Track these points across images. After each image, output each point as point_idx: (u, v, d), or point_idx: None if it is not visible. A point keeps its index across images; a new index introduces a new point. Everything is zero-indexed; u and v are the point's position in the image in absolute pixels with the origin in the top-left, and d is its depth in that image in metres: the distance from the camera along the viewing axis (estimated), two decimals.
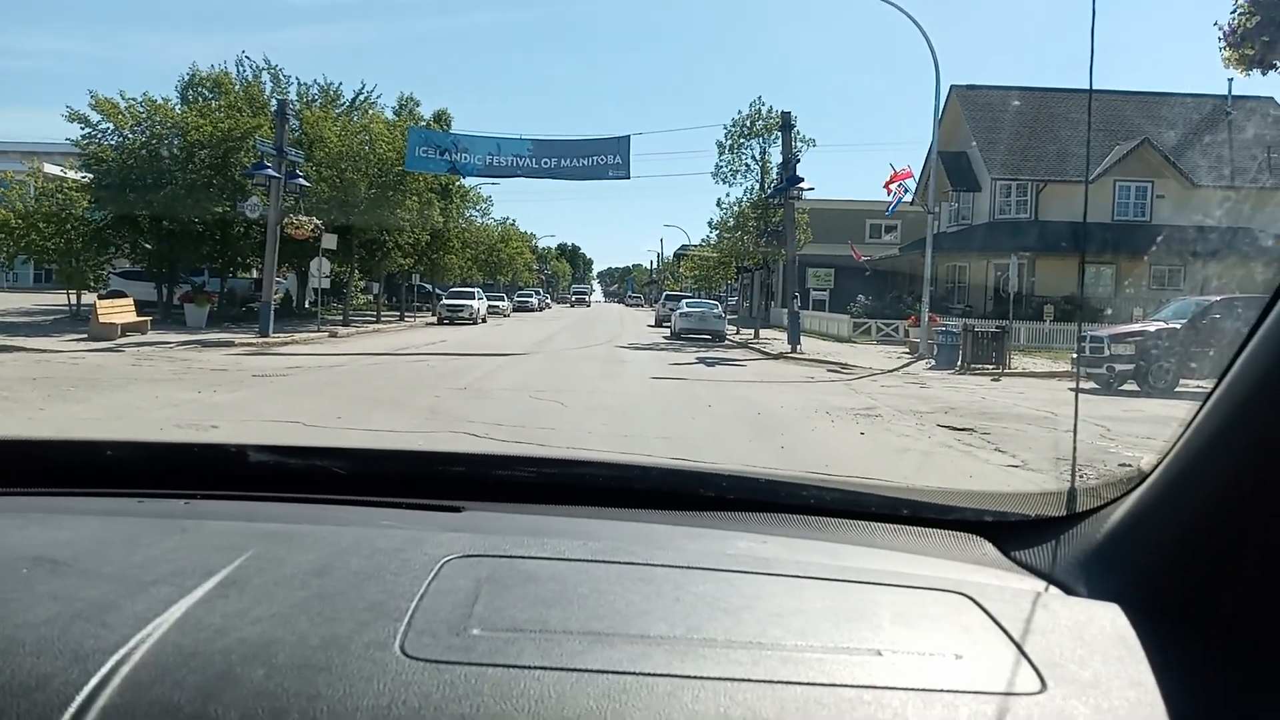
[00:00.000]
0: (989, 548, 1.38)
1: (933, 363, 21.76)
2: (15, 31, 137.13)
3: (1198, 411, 1.09)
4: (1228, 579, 1.03)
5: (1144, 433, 11.06)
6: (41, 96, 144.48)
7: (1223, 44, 7.97)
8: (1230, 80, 38.29)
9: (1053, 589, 1.19)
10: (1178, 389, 16.80)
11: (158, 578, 1.07)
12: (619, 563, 1.18)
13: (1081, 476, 1.36)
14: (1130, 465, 7.50)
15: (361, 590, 1.06)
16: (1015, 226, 35.61)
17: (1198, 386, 17.08)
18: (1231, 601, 1.02)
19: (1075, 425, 1.59)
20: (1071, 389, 17.23)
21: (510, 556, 1.18)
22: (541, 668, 0.92)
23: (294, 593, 1.05)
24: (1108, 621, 1.06)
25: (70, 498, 1.45)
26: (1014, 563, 1.32)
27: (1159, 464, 1.14)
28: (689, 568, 1.18)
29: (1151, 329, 17.63)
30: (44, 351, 18.11)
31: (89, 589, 1.04)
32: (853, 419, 11.84)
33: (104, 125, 27.57)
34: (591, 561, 1.18)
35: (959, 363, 20.96)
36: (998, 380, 18.87)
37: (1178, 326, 17.38)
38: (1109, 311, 29.46)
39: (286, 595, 1.04)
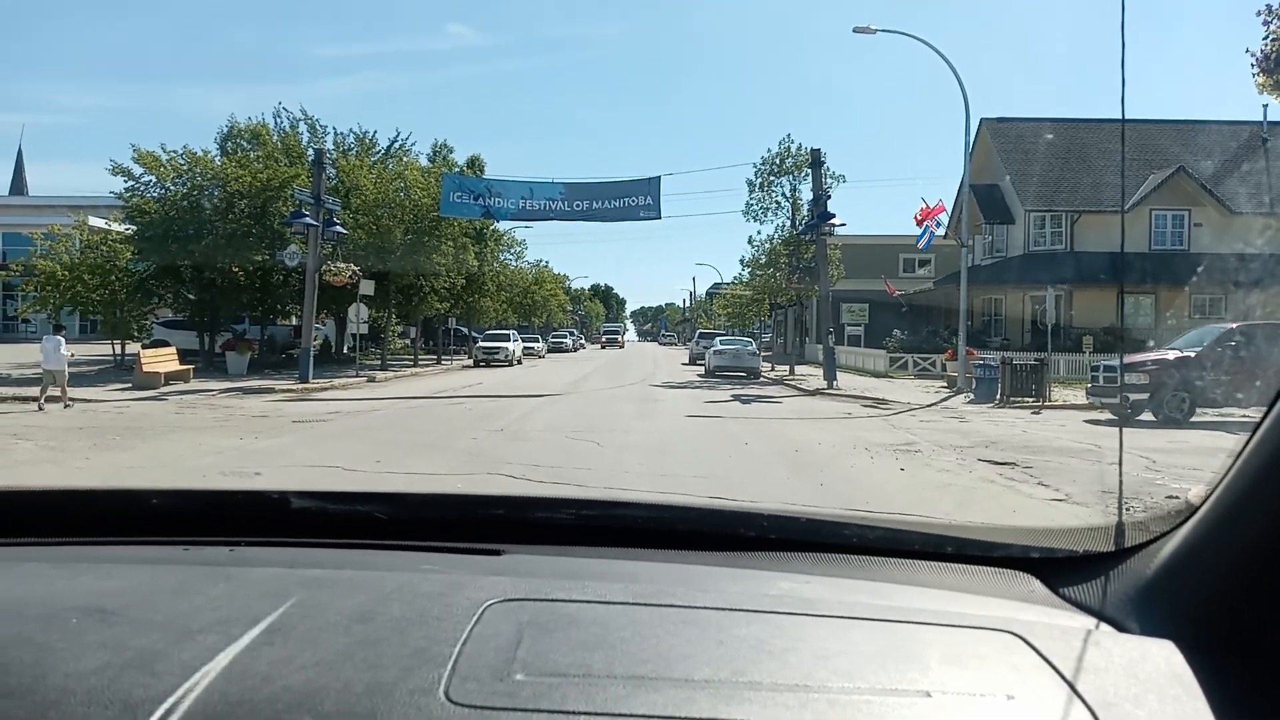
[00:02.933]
0: (1037, 584, 1.36)
1: (971, 397, 21.55)
2: (59, 88, 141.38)
3: (1247, 442, 1.07)
4: None
5: (1190, 464, 10.86)
6: (85, 150, 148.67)
7: (1255, 70, 7.92)
8: (1265, 106, 38.00)
9: (1104, 626, 1.17)
10: (1194, 418, 16.49)
11: (204, 626, 1.08)
12: (661, 605, 1.17)
13: (1128, 510, 1.34)
14: (1178, 497, 7.36)
15: (405, 636, 1.07)
16: (1051, 258, 35.30)
17: (1217, 415, 16.77)
18: None
19: (1120, 459, 1.58)
20: (1113, 420, 16.92)
21: (552, 600, 1.18)
22: (586, 713, 0.91)
23: (338, 639, 1.06)
24: (1162, 659, 1.03)
25: (117, 546, 1.46)
26: (1063, 599, 1.30)
27: (1208, 496, 1.12)
28: (732, 610, 1.17)
29: (1167, 357, 17.35)
30: (90, 401, 18.45)
31: (138, 638, 1.06)
32: (892, 455, 11.73)
33: (146, 178, 28.22)
34: (633, 605, 1.17)
35: (998, 396, 20.74)
36: (1038, 413, 18.64)
37: (1192, 354, 17.09)
38: (1150, 343, 29.00)
39: (331, 642, 1.05)
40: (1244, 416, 16.00)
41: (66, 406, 17.27)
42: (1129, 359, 18.13)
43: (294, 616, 1.11)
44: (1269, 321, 18.70)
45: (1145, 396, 16.69)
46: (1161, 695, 0.97)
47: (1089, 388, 19.22)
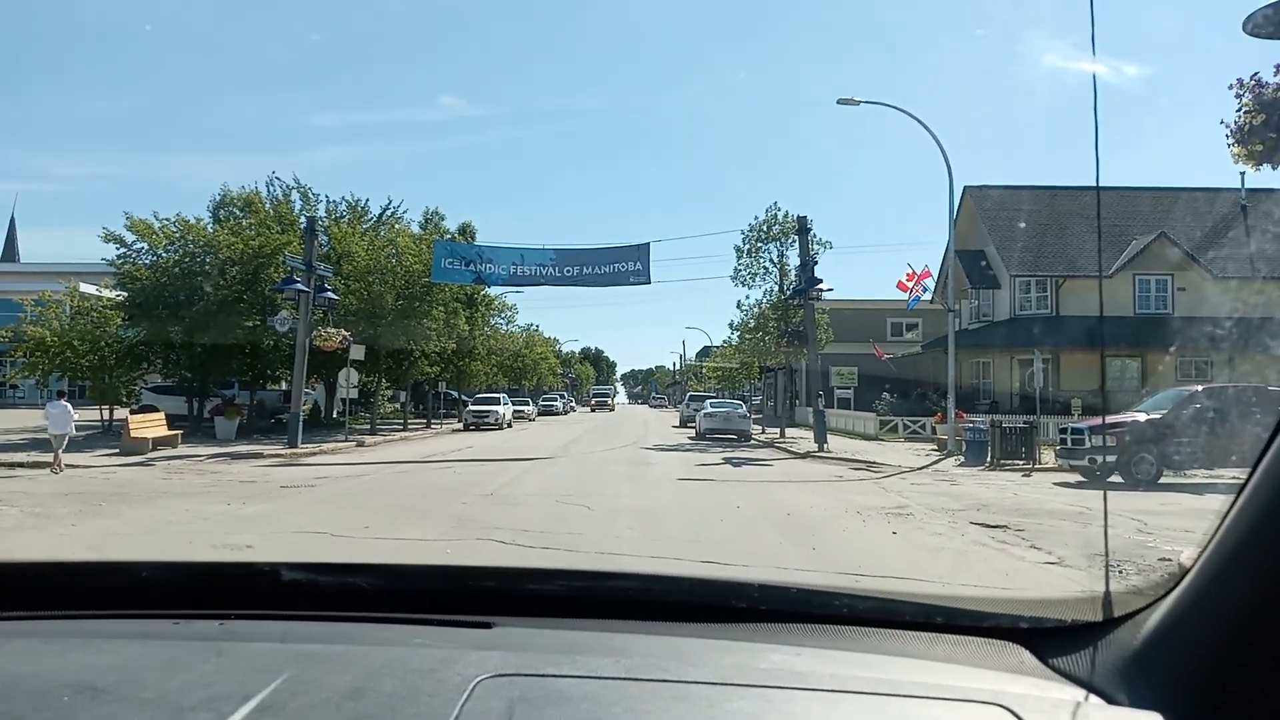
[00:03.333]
0: (1026, 655, 1.36)
1: (962, 459, 21.57)
2: (53, 157, 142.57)
3: (1230, 507, 1.08)
4: (1274, 683, 1.00)
5: (1182, 525, 10.85)
6: (79, 218, 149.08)
7: (1230, 141, 8.14)
8: (1242, 174, 38.73)
9: (1093, 698, 1.17)
10: (1161, 480, 16.62)
11: (196, 703, 1.08)
12: (653, 680, 1.18)
13: (1120, 573, 1.38)
14: (1171, 560, 7.36)
15: (396, 713, 1.06)
16: (1036, 323, 35.67)
17: (1180, 478, 16.89)
18: (1278, 707, 0.99)
19: (1105, 525, 1.65)
20: (1083, 482, 16.95)
21: (543, 675, 1.18)
22: None
23: (330, 716, 1.06)
24: None
25: (107, 620, 1.46)
26: (1052, 670, 1.30)
27: (1195, 563, 1.13)
28: (723, 684, 1.17)
29: (1137, 419, 17.53)
30: (77, 467, 18.28)
31: (129, 716, 1.06)
32: (884, 518, 11.71)
33: (138, 245, 28.38)
34: (625, 679, 1.17)
35: (988, 459, 20.76)
36: (1028, 476, 18.66)
37: (1158, 417, 17.27)
38: (1134, 406, 29.11)
39: (323, 719, 1.05)
40: (1210, 478, 16.15)
41: (56, 473, 17.14)
42: (1094, 422, 18.29)
43: (285, 693, 1.11)
44: (1234, 384, 18.95)
45: (1113, 459, 16.86)
46: None
47: (1057, 450, 19.39)
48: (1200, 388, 18.18)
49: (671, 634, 1.42)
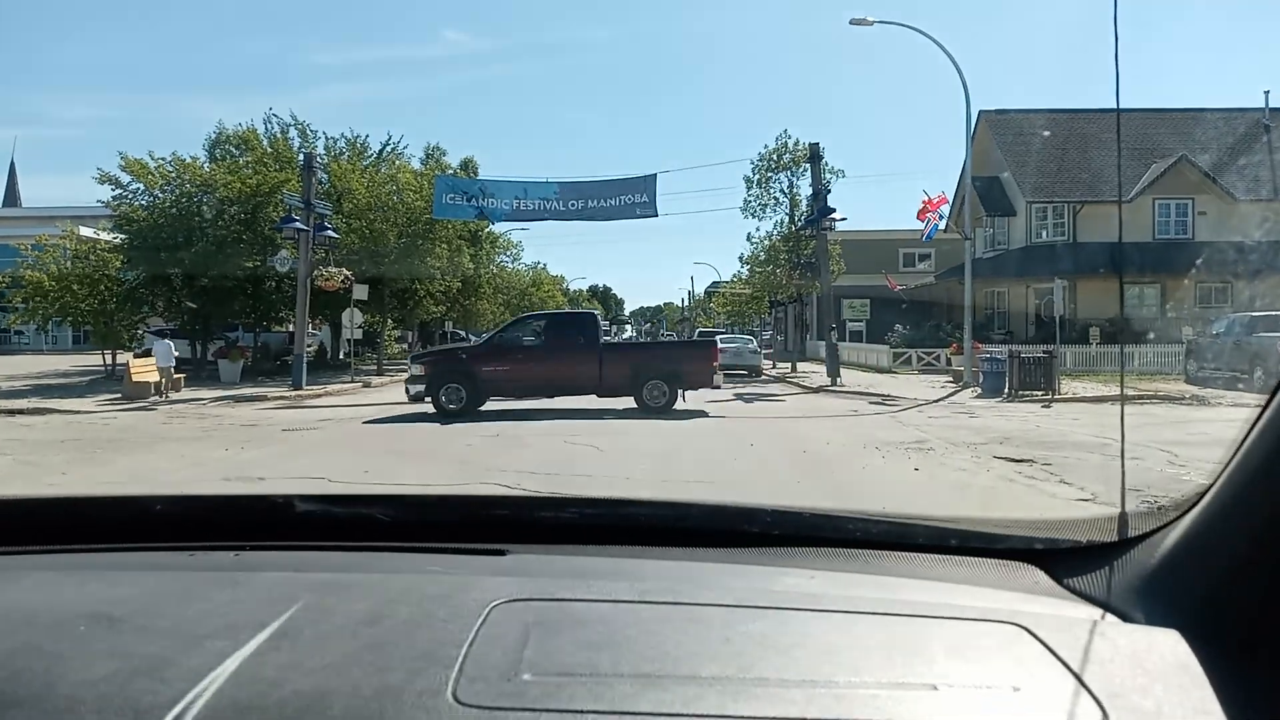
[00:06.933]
0: (1041, 576, 1.35)
1: (979, 391, 21.08)
2: (54, 100, 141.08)
3: (1249, 430, 1.07)
4: None
5: (1214, 456, 10.36)
6: (81, 163, 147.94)
7: None
8: (1266, 92, 37.57)
9: (1109, 617, 1.17)
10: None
11: (211, 632, 1.08)
12: (667, 603, 1.18)
13: (1150, 503, 1.32)
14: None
15: (412, 638, 1.07)
16: (1053, 250, 34.89)
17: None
18: None
19: (1122, 448, 1.51)
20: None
21: (557, 600, 1.18)
22: (594, 712, 0.91)
23: (345, 643, 1.05)
24: (1168, 649, 1.03)
25: (123, 553, 1.45)
26: (1068, 590, 1.30)
27: (1212, 484, 1.12)
28: (737, 606, 1.17)
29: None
30: (76, 413, 18.01)
31: (145, 645, 1.05)
32: (904, 454, 11.27)
33: (134, 186, 27.79)
34: (639, 603, 1.17)
35: (1006, 390, 20.27)
36: (1048, 407, 18.17)
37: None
38: (1151, 335, 28.63)
39: (338, 646, 1.05)
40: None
41: (167, 396, 20.93)
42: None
43: (301, 621, 1.11)
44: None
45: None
46: (1167, 685, 0.97)
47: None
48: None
49: (685, 559, 1.40)
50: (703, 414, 17.27)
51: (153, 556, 1.44)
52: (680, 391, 17.67)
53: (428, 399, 17.10)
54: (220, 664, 0.99)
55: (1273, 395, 1.05)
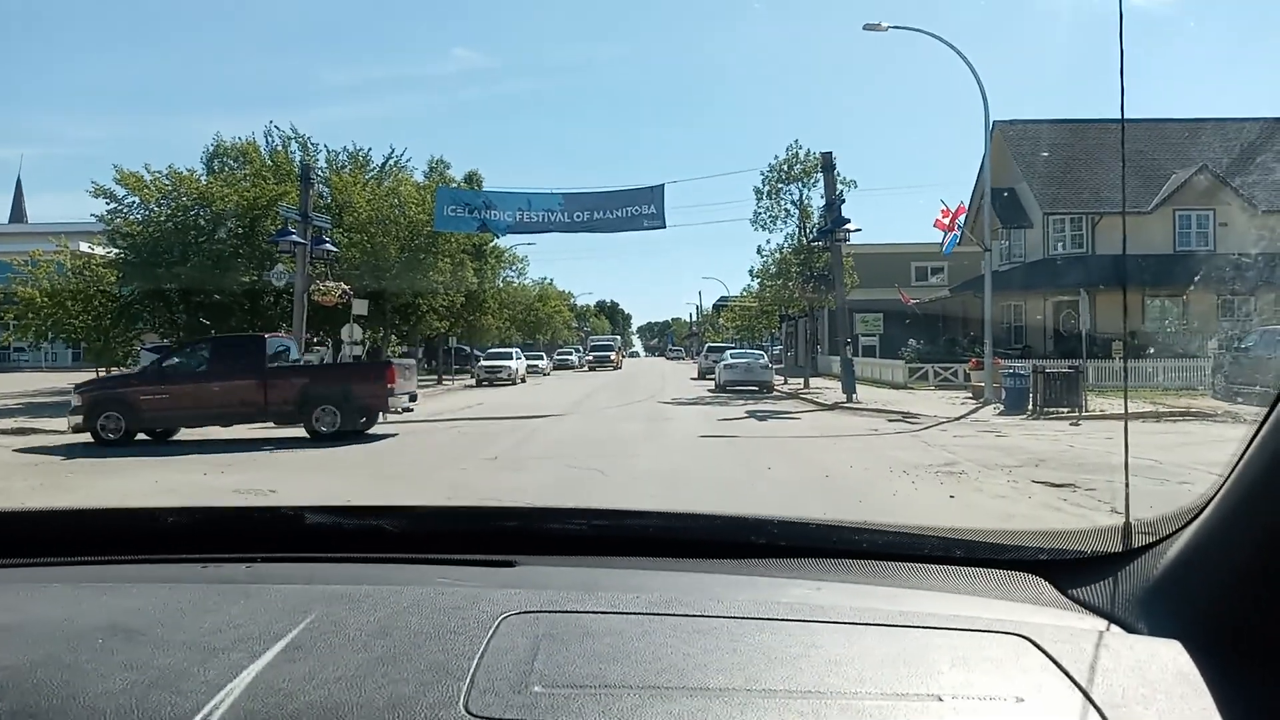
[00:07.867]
0: (1046, 587, 1.35)
1: (1001, 408, 20.19)
2: (63, 120, 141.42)
3: (1250, 442, 1.06)
4: None
5: None
6: (88, 181, 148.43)
7: None
8: None
9: (1113, 627, 1.17)
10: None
11: (227, 644, 1.08)
12: (674, 615, 1.17)
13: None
14: None
15: (423, 650, 1.07)
16: (1071, 262, 34.01)
17: None
18: None
19: (1126, 459, 1.52)
20: (1134, 428, 15.62)
21: (566, 611, 1.18)
22: None
23: (358, 655, 1.05)
24: (1170, 659, 1.03)
25: (137, 565, 1.47)
26: (1072, 601, 1.29)
27: (1215, 494, 1.11)
28: (744, 618, 1.16)
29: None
30: (61, 433, 17.24)
31: (162, 657, 1.06)
32: (935, 478, 10.40)
33: (130, 199, 27.13)
34: (647, 615, 1.17)
35: (1030, 407, 19.39)
36: (1077, 425, 17.29)
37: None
38: (1176, 349, 27.79)
39: (351, 658, 1.05)
40: None
41: None
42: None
43: (314, 633, 1.11)
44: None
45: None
46: (1170, 695, 0.96)
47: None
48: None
49: (692, 570, 1.41)
50: (391, 435, 16.12)
51: (167, 569, 1.46)
52: (379, 413, 16.49)
53: (88, 430, 15.61)
54: (236, 676, 1.00)
55: (1271, 408, 1.03)
